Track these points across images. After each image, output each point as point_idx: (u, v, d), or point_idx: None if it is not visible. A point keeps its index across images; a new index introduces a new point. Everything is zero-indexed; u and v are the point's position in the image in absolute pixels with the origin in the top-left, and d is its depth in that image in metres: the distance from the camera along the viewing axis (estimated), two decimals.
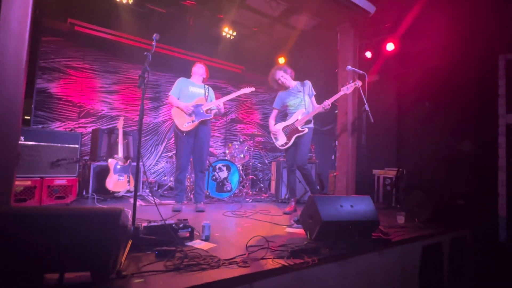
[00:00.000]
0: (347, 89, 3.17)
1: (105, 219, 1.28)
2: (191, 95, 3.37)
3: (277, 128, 3.47)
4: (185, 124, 3.23)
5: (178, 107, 3.29)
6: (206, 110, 3.34)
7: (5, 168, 1.90)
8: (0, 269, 1.18)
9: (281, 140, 3.42)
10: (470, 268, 3.18)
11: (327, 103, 3.17)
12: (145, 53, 2.07)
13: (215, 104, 3.37)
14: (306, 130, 3.30)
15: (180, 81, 3.46)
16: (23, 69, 1.99)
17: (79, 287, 1.26)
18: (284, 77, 3.45)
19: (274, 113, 3.61)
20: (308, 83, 3.49)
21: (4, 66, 1.95)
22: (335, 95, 3.25)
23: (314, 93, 3.50)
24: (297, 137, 3.33)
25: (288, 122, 3.42)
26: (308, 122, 3.35)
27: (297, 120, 3.34)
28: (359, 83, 3.13)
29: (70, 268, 1.27)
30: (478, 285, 3.18)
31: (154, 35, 2.19)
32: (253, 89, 3.51)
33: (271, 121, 3.58)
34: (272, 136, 3.56)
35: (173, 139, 5.46)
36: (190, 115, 3.24)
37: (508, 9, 3.84)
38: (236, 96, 3.56)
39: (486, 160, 4.01)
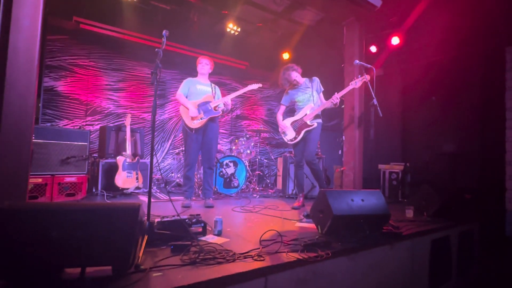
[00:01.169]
0: (355, 84, 3.17)
1: (124, 214, 1.30)
2: (199, 93, 3.39)
3: (285, 123, 3.48)
4: (194, 121, 3.25)
5: (185, 107, 3.31)
6: (215, 107, 3.36)
7: (20, 165, 1.92)
8: (20, 263, 1.20)
9: (290, 135, 3.43)
10: (478, 262, 3.19)
11: (336, 97, 3.17)
12: (156, 49, 2.08)
13: (223, 101, 3.38)
14: (315, 124, 3.32)
15: (187, 81, 3.48)
16: (35, 68, 2.00)
17: (100, 281, 1.28)
18: (298, 76, 3.47)
19: (282, 109, 3.62)
20: (316, 79, 3.50)
21: (17, 65, 1.96)
22: (344, 89, 3.24)
23: (323, 89, 3.51)
24: (306, 132, 3.34)
25: (297, 117, 3.43)
26: (316, 116, 3.36)
27: (306, 114, 3.35)
28: (367, 77, 3.13)
29: (91, 263, 1.29)
30: (485, 278, 3.19)
31: (163, 32, 2.19)
32: (260, 85, 3.51)
33: (279, 116, 3.59)
34: (280, 131, 3.57)
35: (179, 136, 5.49)
36: (197, 114, 3.25)
37: None
38: (242, 93, 3.57)
39: (493, 154, 4.00)
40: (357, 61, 3.20)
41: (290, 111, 3.72)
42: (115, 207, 1.34)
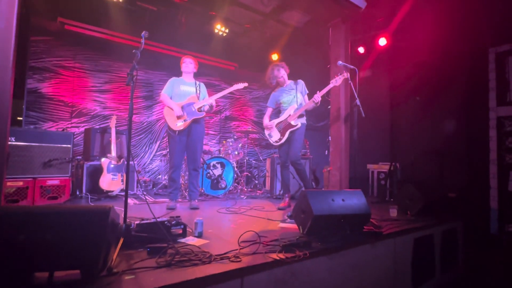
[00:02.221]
0: (335, 82, 3.22)
1: (93, 216, 1.28)
2: (183, 94, 3.36)
3: (270, 124, 3.48)
4: (177, 123, 3.22)
5: (169, 107, 3.28)
6: (198, 109, 3.33)
7: None
8: None
9: (275, 137, 3.44)
10: (462, 259, 3.23)
11: (318, 96, 3.19)
12: (134, 50, 2.06)
13: (207, 102, 3.36)
14: (299, 124, 3.33)
15: (172, 80, 3.44)
16: (10, 68, 1.97)
17: (69, 285, 1.26)
18: (285, 75, 3.51)
19: (269, 111, 3.63)
20: (301, 82, 3.54)
21: None
22: (325, 88, 3.27)
23: (307, 91, 3.54)
24: (290, 132, 3.35)
25: (281, 118, 3.44)
26: (300, 116, 3.38)
27: (289, 115, 3.36)
28: (346, 75, 3.17)
29: (59, 267, 1.27)
30: (469, 275, 3.23)
31: (142, 33, 2.17)
32: (246, 84, 3.50)
33: (265, 118, 3.59)
34: (266, 132, 3.57)
35: (166, 137, 5.45)
36: (182, 113, 3.23)
37: (497, 2, 3.87)
38: (230, 93, 3.55)
39: (478, 153, 4.06)
40: (341, 62, 3.22)
41: (277, 113, 3.73)
42: (84, 210, 1.32)
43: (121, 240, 1.65)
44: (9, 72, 1.96)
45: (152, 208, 3.13)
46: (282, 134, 3.38)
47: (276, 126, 3.45)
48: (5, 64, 1.94)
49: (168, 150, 5.35)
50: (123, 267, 1.44)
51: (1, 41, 1.93)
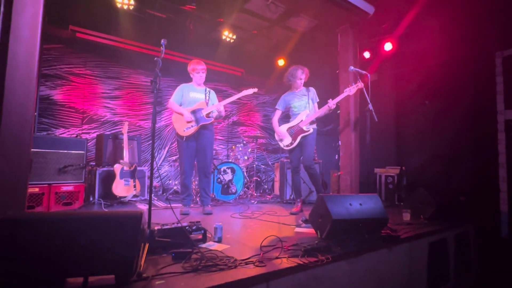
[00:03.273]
0: (350, 91, 3.24)
1: (127, 222, 1.30)
2: (192, 101, 3.36)
3: (282, 129, 3.52)
4: (185, 129, 3.24)
5: (178, 113, 3.29)
6: (207, 115, 3.33)
7: (19, 175, 1.92)
8: (24, 273, 1.20)
9: (286, 141, 3.47)
10: (474, 263, 3.23)
11: (332, 103, 3.23)
12: (155, 58, 2.10)
13: (215, 108, 3.35)
14: (311, 130, 3.37)
15: (181, 87, 3.44)
16: (35, 77, 2.01)
17: None
18: (302, 79, 3.53)
19: (278, 113, 3.66)
20: (313, 89, 3.58)
21: (15, 74, 1.97)
22: (339, 96, 3.30)
23: (318, 100, 3.58)
24: (302, 137, 3.38)
25: (293, 123, 3.47)
26: (312, 122, 3.41)
27: (301, 120, 3.40)
28: (361, 84, 3.19)
29: (94, 272, 1.29)
30: (482, 279, 3.23)
31: (162, 41, 2.22)
32: (255, 89, 3.52)
33: (275, 122, 3.62)
34: (276, 136, 3.60)
35: (175, 143, 5.49)
36: (191, 118, 3.24)
37: (503, 6, 3.91)
38: (237, 98, 3.57)
39: (487, 157, 4.07)
40: (352, 68, 3.25)
41: (285, 116, 3.77)
42: (118, 215, 1.35)
43: (147, 246, 1.68)
44: (33, 81, 2.00)
45: (164, 214, 3.18)
46: (294, 139, 3.41)
47: (287, 130, 3.49)
48: (30, 73, 1.98)
49: (178, 155, 5.40)
50: (151, 272, 1.46)
51: (27, 49, 1.97)
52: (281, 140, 3.54)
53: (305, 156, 3.34)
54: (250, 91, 3.50)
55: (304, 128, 3.35)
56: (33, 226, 1.22)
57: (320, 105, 3.50)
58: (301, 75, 3.49)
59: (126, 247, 1.29)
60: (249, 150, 4.94)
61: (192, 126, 3.24)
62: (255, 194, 4.81)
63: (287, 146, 3.47)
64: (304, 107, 3.47)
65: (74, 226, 1.25)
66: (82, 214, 1.35)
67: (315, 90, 3.59)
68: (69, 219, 1.26)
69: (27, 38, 2.00)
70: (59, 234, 1.24)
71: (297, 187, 3.57)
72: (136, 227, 1.31)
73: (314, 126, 3.45)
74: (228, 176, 4.20)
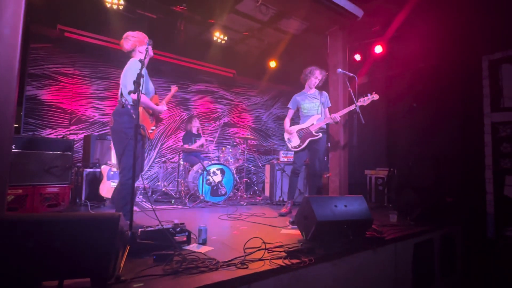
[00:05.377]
0: (364, 101, 3.20)
1: (103, 224, 1.29)
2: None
3: (292, 130, 3.54)
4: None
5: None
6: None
7: None
8: None
9: (294, 142, 3.49)
10: (460, 263, 3.26)
11: (338, 115, 3.26)
12: (139, 59, 2.08)
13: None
14: (321, 135, 3.40)
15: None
16: (15, 77, 1.97)
17: None
18: (317, 80, 3.54)
19: (290, 113, 3.67)
20: (326, 94, 3.59)
21: None
22: (348, 107, 3.29)
23: (330, 104, 3.60)
24: (311, 141, 3.41)
25: (303, 125, 3.49)
26: (321, 128, 3.43)
27: (312, 124, 3.43)
28: (376, 96, 3.19)
29: (69, 275, 1.27)
30: (467, 280, 3.27)
31: (147, 41, 2.19)
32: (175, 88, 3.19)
33: (287, 121, 3.64)
34: (285, 136, 3.61)
35: (165, 144, 5.46)
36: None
37: (490, 11, 3.98)
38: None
39: (473, 158, 4.13)
40: (340, 70, 3.27)
41: (294, 117, 3.77)
42: (94, 217, 1.32)
43: (128, 248, 1.65)
44: (14, 80, 1.97)
45: (153, 216, 3.13)
46: (302, 141, 3.44)
47: (296, 132, 3.50)
48: (10, 72, 1.94)
49: (167, 157, 5.38)
50: (130, 275, 1.44)
51: (6, 48, 1.94)
52: (289, 140, 3.56)
53: (321, 163, 3.39)
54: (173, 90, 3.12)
55: (314, 132, 3.38)
56: (3, 228, 1.19)
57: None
58: (319, 75, 3.51)
59: (102, 250, 1.27)
60: (239, 151, 4.93)
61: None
62: (245, 196, 4.79)
63: (295, 147, 3.49)
64: (315, 110, 3.49)
65: (46, 229, 1.22)
66: (57, 215, 1.33)
67: (327, 95, 3.60)
68: (42, 221, 1.23)
69: (7, 37, 1.96)
70: (32, 237, 1.21)
71: (293, 188, 3.57)
72: (113, 229, 1.29)
73: (324, 132, 3.48)
74: (217, 178, 4.18)
